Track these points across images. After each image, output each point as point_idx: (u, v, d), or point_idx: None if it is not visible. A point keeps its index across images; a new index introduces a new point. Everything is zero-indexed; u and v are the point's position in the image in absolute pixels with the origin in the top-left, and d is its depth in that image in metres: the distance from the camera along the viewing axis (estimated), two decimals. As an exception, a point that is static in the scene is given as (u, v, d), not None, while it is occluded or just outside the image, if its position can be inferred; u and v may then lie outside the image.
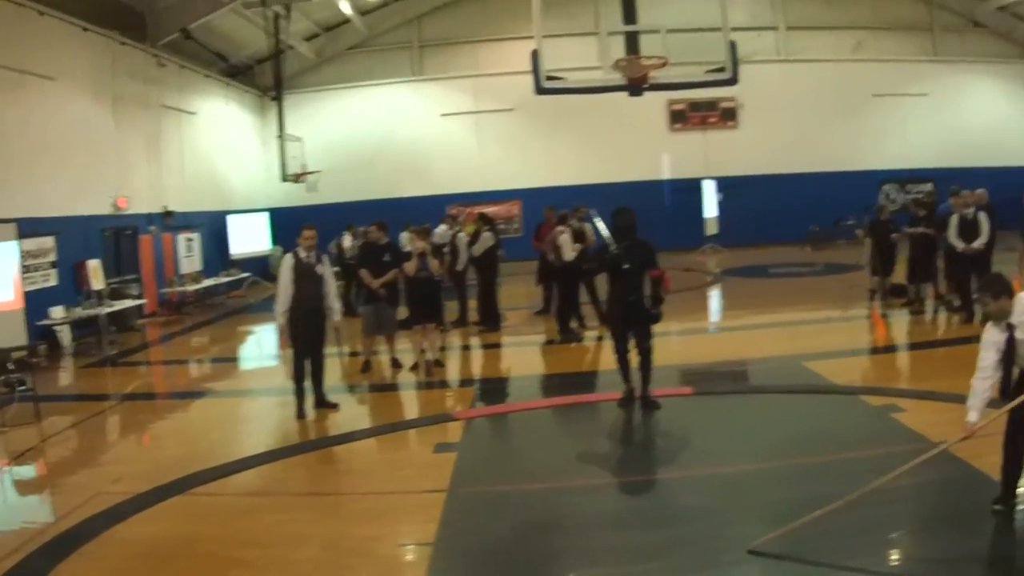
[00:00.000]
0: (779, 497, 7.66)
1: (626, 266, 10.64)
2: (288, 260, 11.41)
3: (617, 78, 14.39)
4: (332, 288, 11.66)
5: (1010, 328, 6.61)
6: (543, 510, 7.70)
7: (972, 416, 6.65)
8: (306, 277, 11.31)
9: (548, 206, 18.30)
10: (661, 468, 9.16)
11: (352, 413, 11.81)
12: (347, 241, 21.48)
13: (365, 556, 6.80)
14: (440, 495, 7.98)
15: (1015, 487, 6.82)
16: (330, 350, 12.18)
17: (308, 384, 11.45)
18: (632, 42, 14.34)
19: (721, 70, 14.54)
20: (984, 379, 6.73)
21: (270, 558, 6.78)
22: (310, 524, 7.46)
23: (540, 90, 14.28)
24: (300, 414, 11.23)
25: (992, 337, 6.74)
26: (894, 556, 6.53)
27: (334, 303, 11.67)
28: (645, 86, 14.50)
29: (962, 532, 6.64)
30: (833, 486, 7.45)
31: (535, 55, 14.05)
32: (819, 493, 7.33)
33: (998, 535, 6.69)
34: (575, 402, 11.89)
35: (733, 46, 14.29)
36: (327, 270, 11.64)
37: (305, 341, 11.35)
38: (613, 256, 10.70)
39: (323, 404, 11.57)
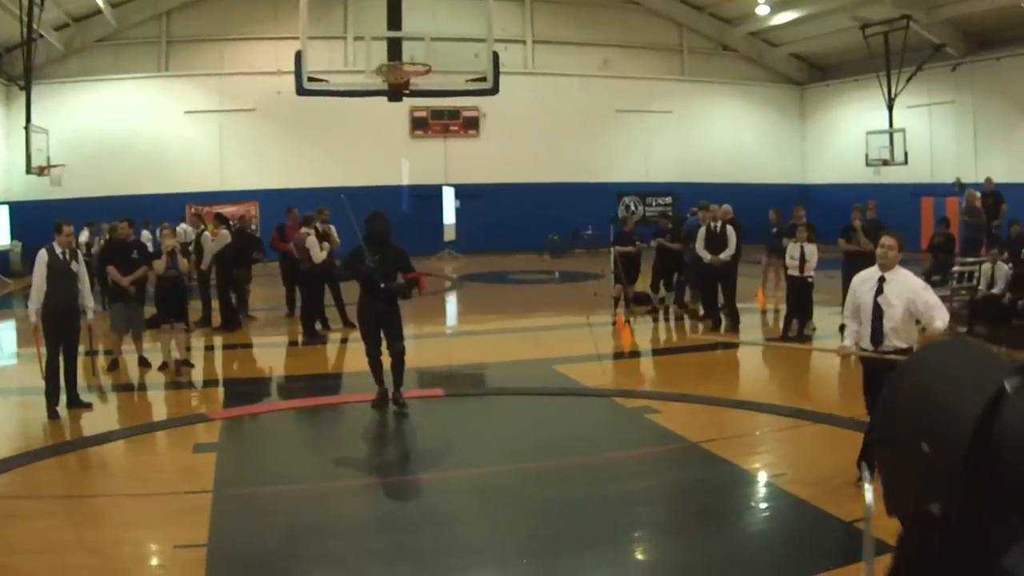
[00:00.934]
0: (541, 497, 8.00)
1: (382, 285, 10.69)
2: (43, 256, 10.98)
3: (378, 83, 14.49)
4: (86, 286, 11.35)
5: (881, 282, 7.35)
6: (310, 511, 7.83)
7: (847, 342, 7.71)
8: (61, 274, 10.95)
9: (290, 208, 18.37)
10: (422, 470, 9.34)
11: (105, 413, 11.45)
12: (84, 236, 20.73)
13: (140, 560, 6.73)
14: (205, 496, 7.90)
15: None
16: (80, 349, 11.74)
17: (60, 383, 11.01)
18: (395, 48, 14.49)
19: (483, 79, 14.88)
20: (848, 326, 7.73)
21: (43, 565, 6.53)
22: (77, 528, 7.27)
23: (302, 91, 14.20)
24: (52, 415, 10.75)
25: (855, 284, 7.65)
26: (646, 557, 6.96)
27: (88, 301, 11.36)
28: (406, 92, 14.69)
29: (723, 529, 7.14)
30: (597, 486, 7.89)
31: (299, 56, 13.97)
32: (583, 493, 7.75)
33: (758, 531, 7.26)
34: (329, 403, 11.99)
35: (496, 57, 14.66)
36: (82, 268, 11.32)
37: (58, 339, 10.94)
38: (368, 270, 10.66)
39: (76, 404, 11.16)
